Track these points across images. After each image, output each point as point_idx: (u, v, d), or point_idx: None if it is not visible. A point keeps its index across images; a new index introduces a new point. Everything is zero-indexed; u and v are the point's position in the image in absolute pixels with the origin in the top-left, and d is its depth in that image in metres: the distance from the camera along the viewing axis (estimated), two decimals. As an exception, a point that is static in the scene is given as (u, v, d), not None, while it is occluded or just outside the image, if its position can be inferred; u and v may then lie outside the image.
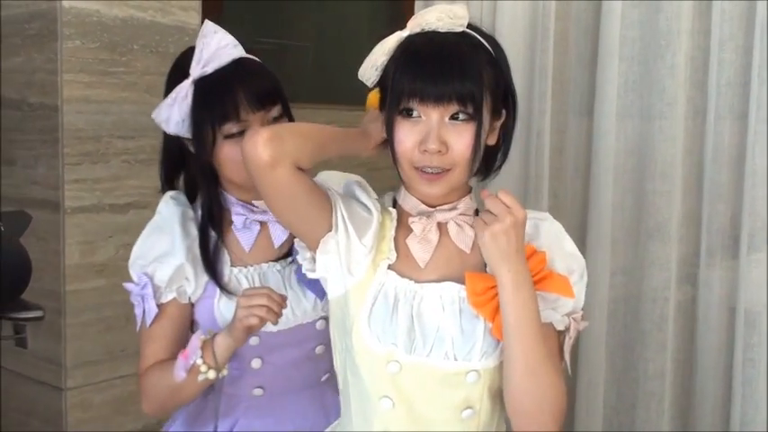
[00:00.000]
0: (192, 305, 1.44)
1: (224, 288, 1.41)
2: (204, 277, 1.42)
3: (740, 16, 2.11)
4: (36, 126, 2.03)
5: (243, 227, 1.45)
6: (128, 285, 1.42)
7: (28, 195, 2.06)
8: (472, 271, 1.20)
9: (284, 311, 1.32)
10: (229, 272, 1.44)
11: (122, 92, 2.07)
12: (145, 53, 2.10)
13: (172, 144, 1.47)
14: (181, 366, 1.33)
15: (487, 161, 1.27)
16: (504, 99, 1.24)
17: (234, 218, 1.46)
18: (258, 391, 1.46)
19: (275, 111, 1.42)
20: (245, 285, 1.42)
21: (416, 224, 1.24)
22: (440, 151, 1.15)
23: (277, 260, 1.47)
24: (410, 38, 1.19)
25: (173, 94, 1.40)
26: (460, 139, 1.16)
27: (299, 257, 1.30)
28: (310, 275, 1.28)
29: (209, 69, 1.39)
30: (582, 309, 1.26)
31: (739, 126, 2.12)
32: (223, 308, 1.41)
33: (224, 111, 1.37)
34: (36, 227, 1.82)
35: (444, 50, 1.16)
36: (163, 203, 1.47)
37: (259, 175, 1.18)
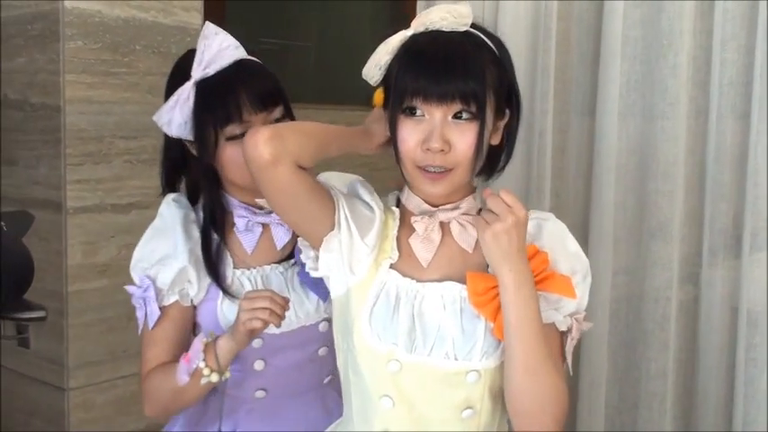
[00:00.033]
0: (195, 308, 1.44)
1: (226, 290, 1.41)
2: (207, 280, 1.42)
3: (742, 16, 2.11)
4: (38, 126, 2.03)
5: (245, 229, 1.45)
6: (130, 288, 1.42)
7: (30, 196, 2.06)
8: (474, 271, 1.20)
9: (287, 313, 1.32)
10: (232, 274, 1.44)
11: (124, 92, 2.07)
12: (147, 53, 2.10)
13: (173, 146, 1.47)
14: (183, 370, 1.32)
15: (491, 161, 1.27)
16: (508, 99, 1.23)
17: (236, 220, 1.46)
18: (260, 393, 1.46)
19: (277, 112, 1.42)
20: (248, 287, 1.42)
21: (419, 223, 1.23)
22: (442, 150, 1.15)
23: (279, 262, 1.47)
24: (414, 37, 1.19)
25: (174, 97, 1.40)
26: (463, 138, 1.16)
27: (302, 256, 1.30)
28: (314, 274, 1.28)
29: (211, 71, 1.39)
30: (585, 309, 1.26)
31: (741, 125, 2.12)
32: (226, 310, 1.41)
33: (227, 112, 1.36)
34: (38, 227, 1.82)
35: (448, 49, 1.16)
36: (164, 206, 1.46)
37: (260, 173, 1.18)
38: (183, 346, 1.38)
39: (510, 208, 1.14)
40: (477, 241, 1.22)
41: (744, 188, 2.09)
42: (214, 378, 1.32)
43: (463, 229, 1.24)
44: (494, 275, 1.17)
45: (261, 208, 1.46)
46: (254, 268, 1.45)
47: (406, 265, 1.24)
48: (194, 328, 1.46)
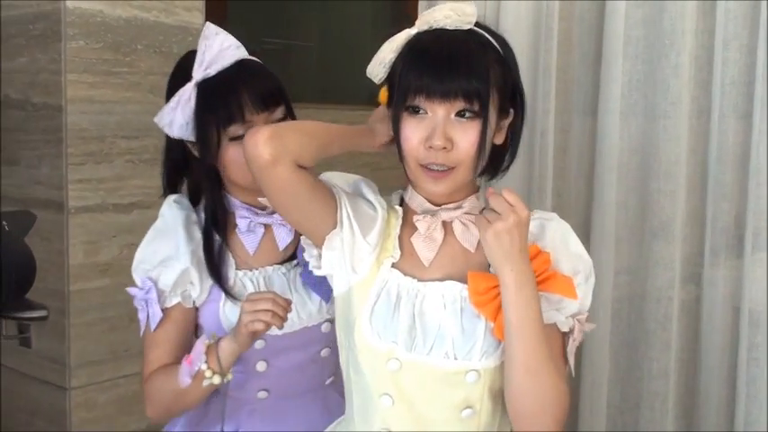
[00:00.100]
0: (197, 309, 1.44)
1: (229, 292, 1.41)
2: (209, 281, 1.42)
3: (744, 16, 2.11)
4: (40, 126, 2.03)
5: (247, 230, 1.45)
6: (132, 290, 1.42)
7: (31, 195, 2.06)
8: (476, 270, 1.20)
9: (289, 315, 1.32)
10: (234, 275, 1.43)
11: (126, 92, 2.07)
12: (148, 53, 2.10)
13: (174, 148, 1.47)
14: (185, 372, 1.32)
15: (495, 161, 1.27)
16: (512, 98, 1.23)
17: (238, 221, 1.45)
18: (263, 394, 1.46)
19: (279, 112, 1.41)
20: (250, 289, 1.42)
21: (421, 222, 1.24)
22: (445, 148, 1.15)
23: (282, 263, 1.47)
24: (418, 35, 1.20)
25: (175, 98, 1.39)
26: (466, 137, 1.16)
27: (305, 255, 1.30)
28: (317, 272, 1.28)
29: (212, 71, 1.39)
30: (587, 310, 1.26)
31: (743, 125, 2.12)
32: (228, 312, 1.41)
33: (229, 112, 1.36)
34: (40, 227, 1.82)
35: (451, 47, 1.16)
36: (166, 207, 1.46)
37: (260, 173, 1.18)
38: (185, 348, 1.38)
39: (512, 207, 1.14)
40: (479, 241, 1.21)
41: (746, 188, 2.09)
42: (216, 380, 1.32)
43: (466, 228, 1.24)
44: (495, 275, 1.17)
45: (263, 208, 1.45)
46: (257, 269, 1.45)
47: (407, 263, 1.24)
48: (196, 330, 1.46)
